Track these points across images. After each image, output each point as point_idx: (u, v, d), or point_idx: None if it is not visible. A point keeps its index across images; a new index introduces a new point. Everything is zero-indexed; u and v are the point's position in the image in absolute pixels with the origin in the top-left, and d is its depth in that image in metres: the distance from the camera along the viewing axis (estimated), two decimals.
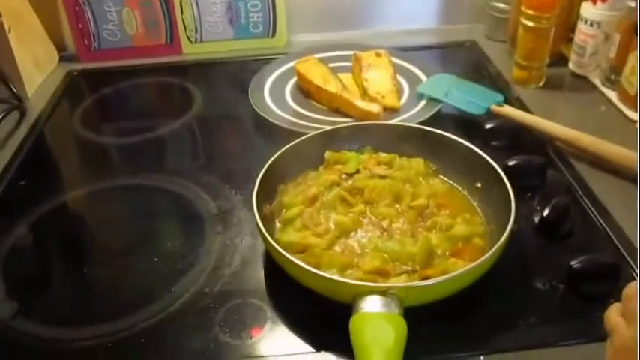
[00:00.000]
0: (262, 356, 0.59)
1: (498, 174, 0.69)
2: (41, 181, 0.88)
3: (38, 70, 1.11)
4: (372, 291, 0.55)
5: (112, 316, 0.64)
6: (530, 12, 0.94)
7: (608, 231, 0.70)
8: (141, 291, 0.68)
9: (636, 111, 0.90)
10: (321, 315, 0.61)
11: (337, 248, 0.67)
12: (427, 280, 0.58)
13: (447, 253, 0.65)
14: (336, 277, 0.59)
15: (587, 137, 0.82)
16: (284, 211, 0.72)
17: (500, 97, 0.92)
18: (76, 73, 1.15)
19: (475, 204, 0.73)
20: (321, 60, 1.02)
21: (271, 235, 0.65)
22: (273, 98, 0.97)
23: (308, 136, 0.78)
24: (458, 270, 0.58)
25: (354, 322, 0.54)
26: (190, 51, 1.19)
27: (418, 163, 0.77)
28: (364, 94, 0.96)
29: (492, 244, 0.62)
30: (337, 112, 0.94)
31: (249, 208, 0.67)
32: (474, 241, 0.66)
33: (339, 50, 1.08)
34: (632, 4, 0.90)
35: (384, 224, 0.69)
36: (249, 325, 0.62)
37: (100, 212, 0.83)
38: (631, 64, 0.91)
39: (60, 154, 0.99)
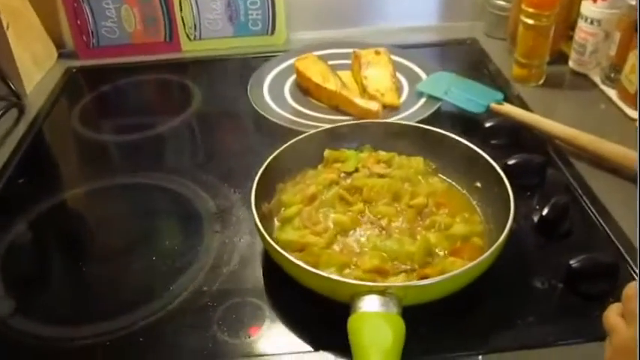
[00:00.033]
0: (260, 355, 0.59)
1: (498, 173, 0.69)
2: (40, 179, 0.88)
3: (37, 67, 1.11)
4: (371, 290, 0.55)
5: (110, 315, 0.64)
6: (531, 10, 0.94)
7: (608, 230, 0.70)
8: (139, 290, 0.68)
9: (636, 109, 0.90)
10: (320, 314, 0.61)
11: (336, 247, 0.67)
12: (425, 280, 0.58)
13: (446, 253, 0.65)
14: (334, 276, 0.59)
15: (586, 136, 0.82)
16: (283, 209, 0.72)
17: (499, 96, 0.92)
18: (74, 70, 1.14)
19: (474, 203, 0.72)
20: (321, 57, 1.02)
21: (270, 234, 0.65)
22: (272, 96, 0.97)
23: (307, 134, 0.78)
24: (456, 270, 0.58)
25: (352, 322, 0.54)
26: (189, 48, 1.18)
27: (417, 162, 0.77)
28: (363, 92, 0.95)
29: (491, 243, 0.62)
30: (336, 110, 0.94)
31: (248, 207, 0.67)
32: (473, 240, 0.66)
33: (339, 48, 1.08)
34: (633, 2, 0.90)
35: (383, 223, 0.69)
36: (247, 324, 0.62)
37: (98, 210, 0.83)
38: (631, 63, 0.90)
39: (58, 151, 0.99)
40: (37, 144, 0.95)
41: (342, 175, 0.76)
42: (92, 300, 0.68)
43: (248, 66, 1.07)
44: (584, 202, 0.75)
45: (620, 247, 0.68)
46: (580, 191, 0.76)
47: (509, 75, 1.03)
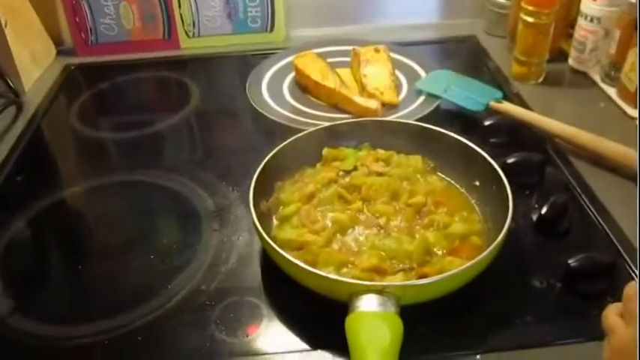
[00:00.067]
0: (258, 354, 0.59)
1: (496, 172, 0.69)
2: (38, 177, 0.88)
3: (35, 65, 1.10)
4: (368, 290, 0.55)
5: (108, 314, 0.64)
6: (530, 8, 0.94)
7: (607, 229, 0.70)
8: (138, 288, 0.68)
9: (636, 108, 0.90)
10: (318, 313, 0.61)
11: (334, 246, 0.66)
12: (423, 280, 0.58)
13: (444, 252, 0.65)
14: (332, 275, 0.59)
15: (585, 134, 0.82)
16: (281, 208, 0.72)
17: (499, 94, 0.92)
18: (73, 68, 1.14)
19: (473, 202, 0.72)
20: (320, 55, 1.01)
21: (268, 233, 0.65)
22: (270, 94, 0.97)
23: (305, 132, 0.78)
24: (454, 269, 0.58)
25: (350, 322, 0.54)
26: (188, 45, 1.18)
27: (416, 160, 0.77)
28: (362, 89, 0.95)
29: (490, 242, 0.62)
30: (335, 107, 0.93)
31: (247, 205, 0.66)
32: (472, 239, 0.66)
33: (338, 45, 1.08)
34: (633, 0, 0.90)
35: (381, 222, 0.69)
36: (245, 322, 0.62)
37: (97, 208, 0.83)
38: (631, 61, 0.90)
39: (57, 149, 0.98)
40: (36, 141, 0.95)
41: (341, 173, 0.76)
42: (90, 298, 0.68)
43: (247, 63, 1.07)
44: (583, 200, 0.75)
45: (619, 247, 0.68)
46: (579, 190, 0.76)
47: (509, 73, 1.03)
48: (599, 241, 0.69)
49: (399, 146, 0.78)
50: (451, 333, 0.60)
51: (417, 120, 0.83)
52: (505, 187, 0.66)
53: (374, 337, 0.51)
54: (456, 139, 0.75)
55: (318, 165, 0.78)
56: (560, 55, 1.05)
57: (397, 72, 1.00)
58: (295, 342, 0.60)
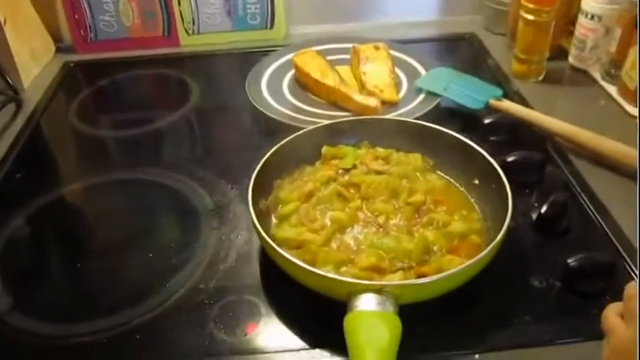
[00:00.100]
0: (257, 353, 0.59)
1: (496, 170, 0.68)
2: (37, 174, 0.87)
3: (34, 62, 1.10)
4: (367, 289, 0.55)
5: (107, 312, 0.64)
6: (531, 5, 0.93)
7: (606, 228, 0.70)
8: (136, 286, 0.67)
9: (636, 106, 0.90)
10: (316, 312, 0.61)
11: (333, 244, 0.66)
12: (422, 279, 0.58)
13: (444, 250, 0.65)
14: (330, 274, 0.59)
15: (585, 133, 0.82)
16: (280, 206, 0.71)
17: (499, 92, 0.92)
18: (72, 65, 1.14)
19: (472, 200, 0.72)
20: (320, 52, 1.01)
21: (267, 231, 0.65)
22: (270, 91, 0.97)
23: (305, 130, 0.77)
24: (453, 268, 0.58)
25: (349, 321, 0.54)
26: (188, 43, 1.18)
27: (415, 158, 0.76)
28: (362, 87, 0.95)
29: (489, 241, 0.62)
30: (335, 105, 0.93)
31: (246, 203, 0.66)
32: (471, 238, 0.66)
33: (338, 43, 1.07)
34: None
35: (381, 220, 0.69)
36: (243, 321, 0.62)
37: (96, 206, 0.83)
38: (632, 59, 0.90)
39: (56, 146, 0.98)
40: (35, 139, 0.95)
41: (340, 171, 0.76)
42: (89, 297, 0.68)
43: (246, 61, 1.07)
44: (583, 199, 0.74)
45: (618, 246, 0.67)
46: (579, 189, 0.76)
47: (509, 71, 1.03)
48: (598, 241, 0.69)
49: (398, 144, 0.78)
50: (450, 332, 0.59)
51: (417, 118, 0.83)
52: (505, 186, 0.66)
53: (372, 337, 0.51)
54: (456, 137, 0.75)
55: (317, 163, 0.77)
56: (560, 53, 1.05)
57: (397, 70, 0.99)
58: (294, 341, 0.60)
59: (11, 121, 0.97)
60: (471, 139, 0.73)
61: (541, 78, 1.01)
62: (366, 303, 0.54)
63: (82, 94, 1.07)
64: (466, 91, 0.92)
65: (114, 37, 1.16)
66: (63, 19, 1.15)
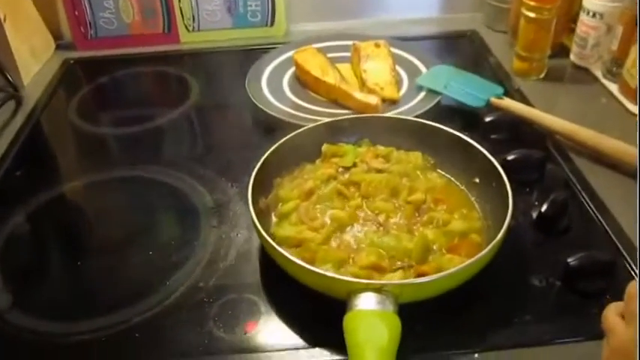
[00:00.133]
0: (256, 351, 0.59)
1: (496, 169, 0.68)
2: (37, 172, 0.87)
3: (34, 59, 1.10)
4: (367, 288, 0.55)
5: (106, 310, 0.64)
6: (532, 3, 0.93)
7: (606, 227, 0.70)
8: (136, 284, 0.67)
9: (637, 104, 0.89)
10: (316, 310, 0.61)
11: (333, 243, 0.66)
12: (422, 278, 0.58)
13: (443, 249, 0.64)
14: (330, 273, 0.58)
15: (586, 131, 0.82)
16: (280, 204, 0.71)
17: (500, 90, 0.92)
18: (72, 62, 1.14)
19: (473, 199, 0.72)
20: (320, 50, 1.01)
21: (267, 230, 0.65)
22: (270, 89, 0.96)
23: (305, 128, 0.77)
24: (453, 268, 0.57)
25: (348, 320, 0.54)
26: (188, 40, 1.18)
27: (416, 157, 0.76)
28: (363, 85, 0.95)
29: (489, 239, 0.62)
30: (335, 103, 0.93)
31: (246, 201, 0.66)
32: (471, 236, 0.66)
33: (338, 40, 1.07)
34: None
35: (381, 219, 0.69)
36: (243, 319, 0.62)
37: (96, 204, 0.83)
38: (633, 57, 0.89)
39: (56, 143, 0.98)
40: (35, 136, 0.95)
41: (340, 169, 0.75)
42: (89, 294, 0.68)
43: (247, 58, 1.06)
44: (583, 197, 0.74)
45: (619, 244, 0.67)
46: (579, 187, 0.76)
47: (510, 68, 1.03)
48: (598, 239, 0.69)
49: (399, 142, 0.78)
50: (449, 331, 0.59)
51: (418, 116, 0.83)
52: (505, 185, 0.65)
53: (372, 336, 0.51)
54: (457, 135, 0.74)
55: (317, 161, 0.77)
56: (561, 51, 1.04)
57: (398, 67, 0.99)
58: (293, 339, 0.60)
59: (11, 119, 0.97)
60: (471, 138, 0.73)
61: (542, 76, 1.01)
62: (366, 302, 0.54)
63: (82, 91, 1.07)
64: (467, 89, 0.92)
65: (114, 34, 1.16)
66: (63, 16, 1.15)
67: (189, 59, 1.14)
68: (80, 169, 0.89)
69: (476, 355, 0.57)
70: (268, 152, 0.72)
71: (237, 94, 0.97)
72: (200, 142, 0.94)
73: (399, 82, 0.97)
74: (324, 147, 0.77)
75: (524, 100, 0.93)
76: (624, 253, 0.66)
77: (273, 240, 0.62)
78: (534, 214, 0.71)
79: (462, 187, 0.74)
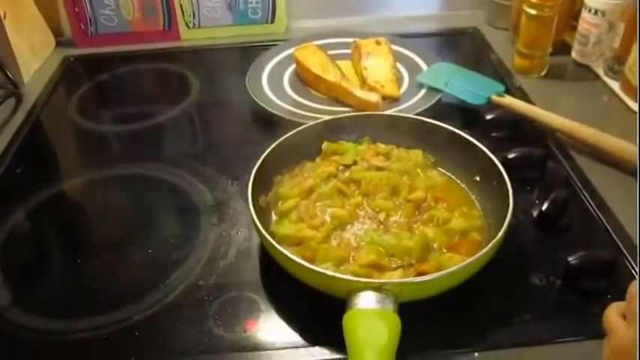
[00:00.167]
0: (256, 350, 0.59)
1: (497, 167, 0.68)
2: (37, 169, 0.87)
3: (34, 56, 1.10)
4: (366, 287, 0.55)
5: (106, 308, 0.64)
6: (533, 0, 0.93)
7: (607, 225, 0.70)
8: (136, 282, 0.67)
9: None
10: (316, 309, 0.61)
11: (333, 241, 0.66)
12: (422, 277, 0.57)
13: (443, 248, 0.64)
14: (330, 272, 0.58)
15: (587, 129, 0.81)
16: (280, 202, 0.71)
17: (501, 87, 0.91)
18: (72, 59, 1.13)
19: (473, 197, 0.72)
20: (321, 47, 1.00)
21: (267, 228, 0.65)
22: (271, 86, 0.96)
23: (305, 126, 0.77)
24: (453, 266, 0.57)
25: (348, 319, 0.53)
26: (188, 37, 1.17)
27: (416, 155, 0.76)
28: (363, 83, 0.95)
29: (490, 238, 0.62)
30: (336, 101, 0.93)
31: (246, 199, 0.66)
32: (472, 235, 0.66)
33: (339, 37, 1.07)
34: None
35: (381, 217, 0.68)
36: (243, 318, 0.62)
37: (96, 201, 0.82)
38: (635, 54, 0.89)
39: (56, 141, 0.98)
40: (35, 133, 0.95)
41: (341, 167, 0.75)
42: (89, 292, 0.68)
43: (247, 55, 1.07)
44: (584, 196, 0.74)
45: (619, 243, 0.67)
46: (580, 185, 0.76)
47: (511, 66, 1.02)
48: (599, 238, 0.69)
49: (399, 140, 0.78)
50: (449, 330, 0.59)
51: (418, 114, 0.82)
52: (506, 183, 0.65)
53: (371, 336, 0.51)
54: (457, 133, 0.74)
55: (317, 159, 0.77)
56: (563, 48, 1.04)
57: (398, 64, 0.99)
58: (293, 338, 0.60)
59: (11, 116, 0.97)
60: (472, 136, 0.73)
61: (543, 73, 1.00)
62: (365, 301, 0.54)
63: (83, 88, 1.06)
64: (468, 86, 0.92)
65: (114, 31, 1.16)
66: (63, 12, 1.15)
67: (189, 56, 1.14)
68: (80, 167, 0.89)
69: (476, 354, 0.57)
70: (268, 150, 0.72)
71: (237, 92, 0.97)
72: (200, 140, 0.94)
73: (399, 80, 0.96)
74: (325, 145, 0.77)
75: (525, 97, 0.93)
76: (625, 252, 0.66)
77: (273, 238, 0.62)
78: (535, 213, 0.71)
79: (463, 186, 0.73)
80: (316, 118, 0.80)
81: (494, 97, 0.89)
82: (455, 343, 0.58)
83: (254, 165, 0.69)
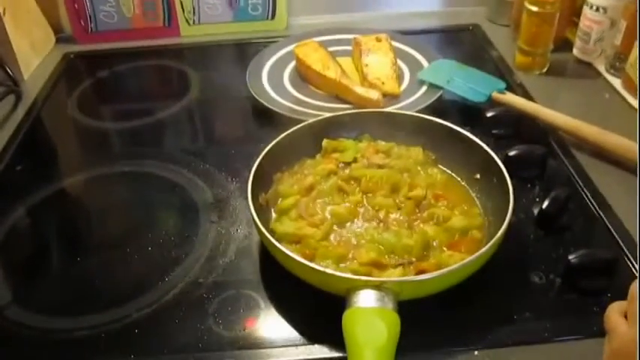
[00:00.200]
0: (255, 348, 0.59)
1: (498, 165, 0.68)
2: (37, 166, 0.87)
3: (34, 53, 1.10)
4: (366, 285, 0.55)
5: (106, 306, 0.64)
6: None
7: (608, 223, 0.69)
8: (135, 280, 0.67)
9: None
10: (316, 306, 0.61)
11: (333, 239, 0.66)
12: (422, 275, 0.57)
13: (444, 246, 0.64)
14: (329, 270, 0.58)
15: (588, 127, 0.81)
16: (280, 200, 0.71)
17: (502, 85, 0.91)
18: (72, 56, 1.13)
19: (474, 195, 0.72)
20: (321, 44, 1.00)
21: (267, 225, 0.64)
22: (271, 83, 0.96)
23: (305, 123, 0.77)
24: (454, 264, 0.57)
25: (347, 318, 0.53)
26: (188, 33, 1.17)
27: (417, 152, 0.76)
28: (364, 79, 0.94)
29: (490, 236, 0.62)
30: (336, 98, 0.92)
31: (245, 197, 0.66)
32: (472, 233, 0.66)
33: (340, 34, 1.07)
34: None
35: (381, 215, 0.68)
36: (242, 316, 0.62)
37: (96, 199, 0.82)
38: (636, 51, 0.89)
39: (56, 138, 0.98)
40: (35, 130, 0.95)
41: (341, 165, 0.75)
42: (88, 291, 0.67)
43: (247, 52, 1.06)
44: (585, 194, 0.74)
45: (620, 241, 0.67)
46: (581, 183, 0.75)
47: (512, 63, 1.02)
48: (600, 237, 0.68)
49: (399, 138, 0.78)
50: (449, 328, 0.59)
51: (419, 111, 0.82)
52: (506, 181, 0.65)
53: (371, 335, 0.51)
54: (458, 131, 0.74)
55: (317, 156, 0.77)
56: (564, 45, 1.03)
57: (399, 61, 0.98)
58: (293, 336, 0.59)
59: (11, 113, 0.97)
60: (473, 133, 0.73)
61: (545, 70, 1.00)
62: (365, 299, 0.54)
63: (83, 85, 1.06)
64: (469, 83, 0.92)
65: (114, 27, 1.16)
66: (63, 9, 1.15)
67: (189, 53, 1.14)
68: (80, 164, 0.89)
69: (476, 353, 0.57)
70: (268, 147, 0.71)
71: (237, 88, 0.97)
72: (200, 137, 0.94)
73: (400, 77, 0.96)
74: (325, 142, 0.77)
75: (526, 95, 0.93)
76: (626, 250, 0.66)
77: (273, 236, 0.62)
78: (535, 211, 0.71)
79: (463, 183, 0.73)
80: (316, 115, 0.80)
81: (495, 95, 0.89)
82: (455, 342, 0.58)
83: (254, 162, 0.69)
